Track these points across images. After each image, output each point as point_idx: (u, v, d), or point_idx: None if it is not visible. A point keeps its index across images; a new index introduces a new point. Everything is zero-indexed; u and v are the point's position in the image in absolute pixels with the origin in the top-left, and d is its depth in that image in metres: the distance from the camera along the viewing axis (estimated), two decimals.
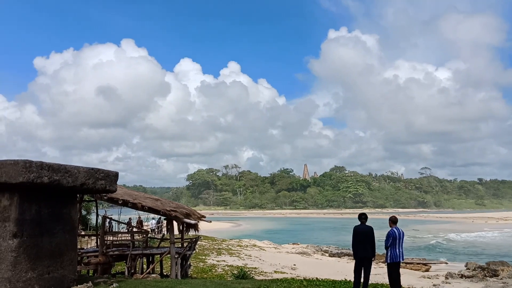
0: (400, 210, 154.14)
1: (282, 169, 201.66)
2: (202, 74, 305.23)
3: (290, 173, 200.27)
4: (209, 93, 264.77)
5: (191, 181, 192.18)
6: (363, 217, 8.16)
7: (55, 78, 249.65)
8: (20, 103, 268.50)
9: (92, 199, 10.85)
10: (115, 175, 6.66)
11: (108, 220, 14.23)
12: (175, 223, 10.42)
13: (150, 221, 29.54)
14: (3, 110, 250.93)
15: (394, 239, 8.04)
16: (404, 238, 8.33)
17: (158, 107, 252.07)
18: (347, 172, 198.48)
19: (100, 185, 6.30)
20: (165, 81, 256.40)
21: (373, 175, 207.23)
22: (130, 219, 26.00)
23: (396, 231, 8.13)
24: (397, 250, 8.04)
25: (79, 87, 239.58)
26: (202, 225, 12.41)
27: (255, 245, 30.48)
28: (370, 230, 8.02)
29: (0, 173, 5.32)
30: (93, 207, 25.62)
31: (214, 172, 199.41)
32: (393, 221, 8.15)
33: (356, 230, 8.01)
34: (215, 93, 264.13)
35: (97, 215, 11.27)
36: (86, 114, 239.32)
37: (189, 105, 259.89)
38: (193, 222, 9.90)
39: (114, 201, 9.40)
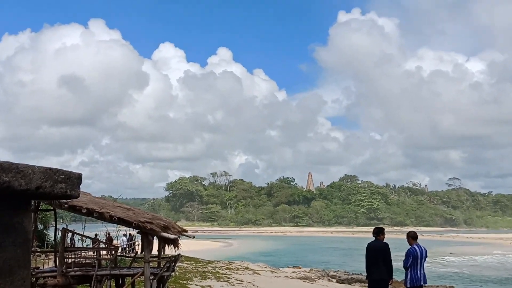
0: (423, 228, 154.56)
1: (282, 178, 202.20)
2: (186, 63, 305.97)
3: (291, 183, 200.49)
4: (195, 85, 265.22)
5: (171, 191, 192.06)
6: (378, 231, 8.20)
7: (9, 65, 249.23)
8: None
9: (50, 208, 10.80)
10: (78, 177, 6.61)
11: (69, 234, 14.18)
12: (155, 240, 10.41)
13: (120, 239, 29.42)
14: None
15: (415, 259, 8.08)
16: (427, 259, 8.38)
17: (133, 101, 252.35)
18: (359, 182, 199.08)
19: (60, 189, 6.24)
20: (142, 71, 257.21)
21: (391, 187, 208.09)
22: (96, 235, 25.91)
23: (417, 249, 8.17)
24: (419, 272, 8.07)
25: (37, 76, 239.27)
26: (184, 243, 12.38)
27: (248, 268, 30.48)
28: (385, 247, 8.05)
29: None
30: (52, 220, 25.54)
31: (199, 181, 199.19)
32: (412, 237, 8.19)
33: (370, 247, 8.05)
34: (202, 86, 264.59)
35: (56, 227, 11.22)
36: (46, 109, 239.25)
37: (171, 100, 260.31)
38: (172, 236, 9.89)
39: (76, 210, 9.37)
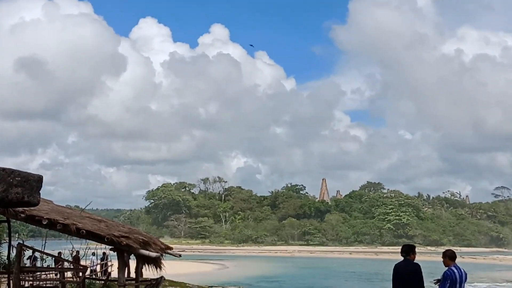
0: (464, 249, 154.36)
1: (289, 185, 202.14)
2: (172, 43, 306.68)
3: (301, 192, 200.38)
4: (183, 70, 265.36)
5: (152, 200, 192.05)
6: (408, 250, 8.21)
7: None
8: None
9: (3, 219, 10.79)
10: (38, 180, 6.60)
11: (26, 251, 14.19)
12: (132, 259, 10.42)
13: (90, 258, 29.42)
14: None
15: (452, 283, 8.09)
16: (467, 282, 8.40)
17: (106, 90, 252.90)
18: (385, 191, 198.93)
19: (15, 194, 6.22)
20: (118, 53, 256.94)
21: (425, 197, 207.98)
22: (60, 253, 25.96)
23: (456, 271, 8.18)
24: None
25: None
26: (168, 264, 12.36)
27: None
28: (416, 269, 8.07)
29: None
30: (4, 234, 25.56)
31: (187, 188, 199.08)
32: (450, 256, 8.20)
33: (397, 269, 8.07)
34: (192, 71, 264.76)
35: (10, 243, 11.19)
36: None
37: (153, 88, 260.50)
38: (153, 255, 9.91)
39: (35, 221, 9.38)
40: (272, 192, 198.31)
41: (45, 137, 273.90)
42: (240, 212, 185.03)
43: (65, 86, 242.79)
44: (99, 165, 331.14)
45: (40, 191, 6.86)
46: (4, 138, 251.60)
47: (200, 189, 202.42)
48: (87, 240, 12.31)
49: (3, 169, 6.34)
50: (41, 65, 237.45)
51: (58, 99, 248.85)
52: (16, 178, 6.36)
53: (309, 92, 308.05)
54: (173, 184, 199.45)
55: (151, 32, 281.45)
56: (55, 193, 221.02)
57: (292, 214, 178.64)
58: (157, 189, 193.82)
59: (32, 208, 9.17)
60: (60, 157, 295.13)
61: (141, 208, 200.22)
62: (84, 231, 9.39)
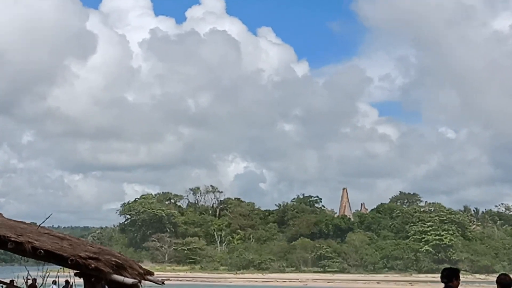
0: None
1: (301, 196, 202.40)
2: (153, 17, 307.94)
3: (316, 205, 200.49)
4: (167, 52, 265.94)
5: (128, 216, 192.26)
6: (450, 274, 8.21)
7: None
8: None
9: None
10: None
11: None
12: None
13: (50, 287, 29.58)
14: None
15: None
16: None
17: (71, 77, 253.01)
18: (422, 204, 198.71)
19: None
20: (86, 30, 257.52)
21: (472, 212, 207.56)
22: (12, 281, 26.03)
23: None
24: None
25: None
26: None
27: None
28: None
29: None
30: None
31: (172, 201, 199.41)
32: (504, 283, 8.19)
33: None
34: (178, 53, 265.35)
35: None
36: None
37: (130, 75, 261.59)
38: (129, 281, 9.93)
39: None
40: (280, 205, 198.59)
41: None
42: (239, 231, 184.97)
43: (19, 72, 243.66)
44: (61, 171, 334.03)
45: None
46: None
47: (189, 202, 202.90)
48: (46, 264, 12.33)
49: None
50: None
51: (10, 88, 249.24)
52: None
53: (325, 79, 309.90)
54: (155, 195, 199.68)
55: (127, 4, 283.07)
56: (6, 206, 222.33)
57: (304, 233, 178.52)
58: (135, 201, 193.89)
59: None
60: (12, 161, 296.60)
61: (114, 226, 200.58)
62: (42, 251, 9.41)
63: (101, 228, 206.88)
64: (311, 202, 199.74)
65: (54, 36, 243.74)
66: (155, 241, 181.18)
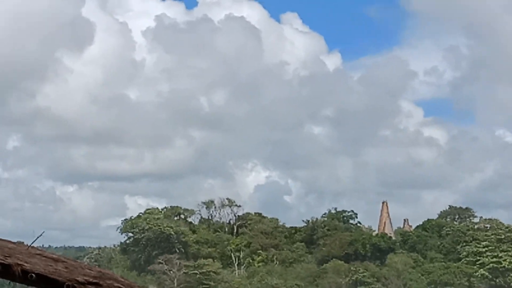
0: None
1: (333, 211, 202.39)
2: (159, 1, 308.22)
3: (351, 222, 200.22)
4: (175, 42, 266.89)
5: (131, 234, 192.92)
6: None
7: None
8: None
9: None
10: None
11: None
12: None
13: None
14: None
15: None
16: None
17: (64, 71, 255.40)
18: (477, 220, 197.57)
19: None
20: (82, 17, 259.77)
21: None
22: None
23: None
24: None
25: None
26: None
27: None
28: None
29: None
30: None
31: (182, 216, 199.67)
32: None
33: None
34: (188, 43, 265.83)
35: None
36: None
37: (132, 69, 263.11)
38: None
39: None
40: (308, 221, 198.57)
41: None
42: (260, 252, 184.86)
43: (3, 66, 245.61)
44: (52, 181, 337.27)
45: None
46: None
47: (202, 217, 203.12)
48: None
49: None
50: None
51: None
52: None
53: (361, 72, 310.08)
54: (162, 209, 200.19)
55: None
56: None
57: (337, 254, 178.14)
58: (138, 217, 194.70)
59: None
60: None
61: (114, 246, 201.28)
62: (34, 275, 9.23)
63: (99, 248, 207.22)
64: (345, 218, 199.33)
65: (44, 24, 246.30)
66: (162, 263, 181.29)
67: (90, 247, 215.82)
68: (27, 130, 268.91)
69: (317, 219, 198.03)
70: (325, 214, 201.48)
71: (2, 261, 9.15)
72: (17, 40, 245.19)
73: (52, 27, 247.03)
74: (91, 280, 9.84)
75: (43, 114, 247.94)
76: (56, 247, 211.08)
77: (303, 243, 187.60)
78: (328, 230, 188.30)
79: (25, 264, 9.25)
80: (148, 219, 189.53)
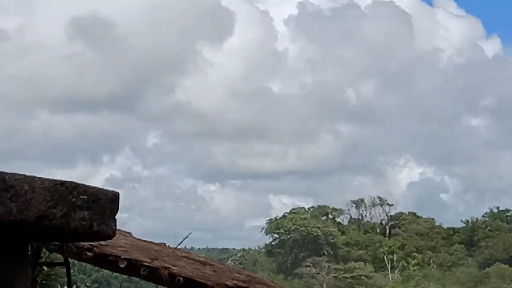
0: None
1: (495, 210, 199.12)
2: None
3: None
4: (319, 31, 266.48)
5: (276, 235, 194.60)
6: None
7: None
8: None
9: (60, 261, 11.16)
10: (112, 200, 6.70)
11: None
12: None
13: None
14: None
15: None
16: None
17: (203, 65, 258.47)
18: None
19: (80, 221, 6.37)
20: (222, 6, 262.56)
21: None
22: None
23: None
24: None
25: (29, 20, 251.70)
26: None
27: None
28: None
29: None
30: (60, 285, 26.87)
31: (330, 216, 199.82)
32: None
33: None
34: (334, 32, 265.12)
35: None
36: (47, 82, 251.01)
37: (274, 60, 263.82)
38: None
39: (108, 263, 9.64)
40: (467, 222, 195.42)
41: (113, 138, 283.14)
42: (415, 254, 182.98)
43: (142, 61, 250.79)
44: (193, 179, 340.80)
45: (116, 216, 7.00)
46: (52, 139, 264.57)
47: (351, 218, 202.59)
48: None
49: (62, 183, 6.49)
50: (107, 29, 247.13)
51: (131, 80, 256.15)
52: (81, 197, 6.45)
53: None
54: (308, 209, 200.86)
55: None
56: (129, 222, 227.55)
57: (501, 257, 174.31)
58: (284, 217, 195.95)
59: (103, 242, 9.44)
60: (135, 168, 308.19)
61: (259, 247, 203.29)
62: (181, 279, 9.54)
63: (243, 250, 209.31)
64: (508, 218, 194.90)
65: (183, 15, 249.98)
66: (310, 266, 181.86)
67: (233, 249, 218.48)
68: (167, 127, 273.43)
69: (477, 219, 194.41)
70: (486, 213, 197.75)
71: (149, 264, 9.48)
72: (156, 33, 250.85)
73: (191, 18, 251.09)
74: (240, 284, 10.04)
75: (183, 110, 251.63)
76: (198, 249, 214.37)
77: (462, 245, 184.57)
78: (490, 231, 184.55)
79: (172, 267, 9.55)
80: (294, 219, 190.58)
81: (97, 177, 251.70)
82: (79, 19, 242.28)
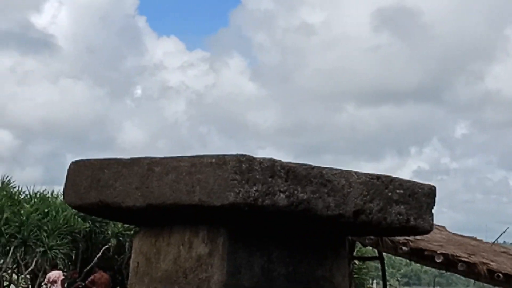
0: None
1: None
2: None
3: None
4: None
5: None
6: None
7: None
8: None
9: (374, 255, 11.18)
10: (428, 194, 6.61)
11: None
12: None
13: None
14: None
15: None
16: None
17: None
18: None
19: (396, 215, 6.33)
20: None
21: None
22: None
23: None
24: None
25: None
26: None
27: None
28: None
29: (191, 185, 5.53)
30: (371, 280, 27.16)
31: None
32: None
33: None
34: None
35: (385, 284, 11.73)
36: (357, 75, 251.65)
37: None
38: None
39: (423, 258, 9.58)
40: None
41: (420, 129, 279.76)
42: None
43: (449, 49, 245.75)
44: (505, 171, 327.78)
45: (433, 210, 6.84)
46: (359, 132, 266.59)
47: None
48: None
49: (378, 177, 6.43)
50: (413, 18, 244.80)
51: (439, 69, 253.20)
52: (397, 191, 6.38)
53: None
54: None
55: None
56: (438, 216, 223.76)
57: None
58: None
59: (418, 237, 9.33)
60: (443, 159, 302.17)
61: None
62: (501, 275, 9.20)
63: None
64: None
65: (490, 0, 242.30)
66: None
67: None
68: (476, 116, 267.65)
69: None
70: None
71: (467, 259, 9.22)
72: (462, 19, 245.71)
73: (499, 3, 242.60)
74: None
75: (493, 98, 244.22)
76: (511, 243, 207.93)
77: None
78: None
79: (491, 263, 9.23)
80: None
81: (404, 170, 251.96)
82: (384, 10, 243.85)
